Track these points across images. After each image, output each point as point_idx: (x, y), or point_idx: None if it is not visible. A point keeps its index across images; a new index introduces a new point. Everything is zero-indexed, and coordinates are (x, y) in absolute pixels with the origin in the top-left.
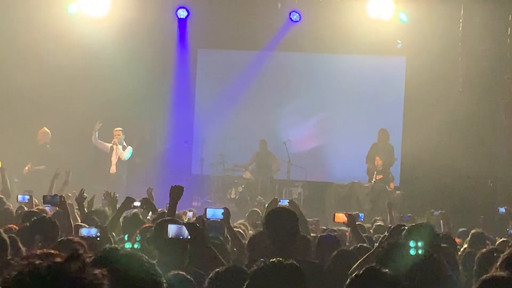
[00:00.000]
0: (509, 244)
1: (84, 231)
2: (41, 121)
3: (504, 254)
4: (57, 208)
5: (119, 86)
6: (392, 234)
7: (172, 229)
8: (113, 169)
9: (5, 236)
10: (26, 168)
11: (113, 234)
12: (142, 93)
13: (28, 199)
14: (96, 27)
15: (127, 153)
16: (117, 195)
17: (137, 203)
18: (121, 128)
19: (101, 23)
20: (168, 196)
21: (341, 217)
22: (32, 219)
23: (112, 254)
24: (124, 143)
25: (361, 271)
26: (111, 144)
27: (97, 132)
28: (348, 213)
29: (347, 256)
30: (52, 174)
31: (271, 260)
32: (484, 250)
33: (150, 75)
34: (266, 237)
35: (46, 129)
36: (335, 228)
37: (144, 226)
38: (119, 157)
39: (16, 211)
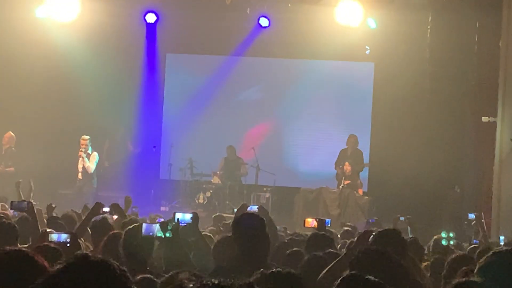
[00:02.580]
0: (478, 251)
1: (54, 237)
2: (6, 124)
3: (480, 261)
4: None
5: (87, 90)
6: (360, 239)
7: (144, 228)
8: (79, 176)
9: None
10: None
11: (82, 239)
12: (110, 97)
13: None
14: (64, 31)
15: (92, 165)
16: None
17: (106, 209)
18: (88, 137)
19: (70, 27)
20: (136, 201)
21: (311, 222)
22: None
23: (83, 261)
24: (90, 150)
25: (345, 276)
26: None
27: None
28: (320, 218)
29: (318, 261)
30: (15, 183)
31: (271, 271)
32: (454, 256)
33: (119, 79)
34: (235, 242)
35: (11, 133)
36: (302, 233)
37: (112, 232)
38: (83, 165)
39: None
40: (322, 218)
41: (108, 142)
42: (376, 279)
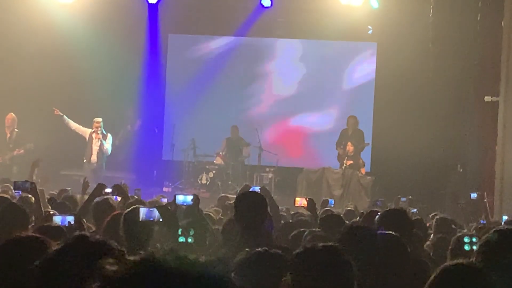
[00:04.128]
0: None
1: (57, 219)
2: (9, 105)
3: (481, 239)
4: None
5: (89, 71)
6: (365, 219)
7: (143, 212)
8: (94, 158)
9: None
10: None
11: (84, 220)
12: (113, 78)
13: None
14: (66, 12)
15: (109, 146)
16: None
17: (108, 190)
18: (101, 119)
19: (71, 7)
20: (139, 182)
21: (300, 201)
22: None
23: (82, 241)
24: (104, 131)
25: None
26: (91, 131)
27: (65, 117)
28: (309, 197)
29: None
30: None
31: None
32: (459, 234)
33: (121, 60)
34: (237, 221)
35: (13, 114)
36: (304, 213)
37: (115, 213)
38: (100, 147)
39: None
40: (311, 198)
41: (131, 125)
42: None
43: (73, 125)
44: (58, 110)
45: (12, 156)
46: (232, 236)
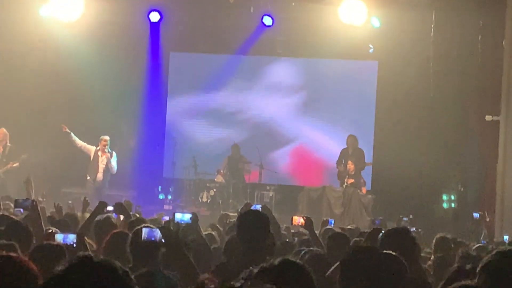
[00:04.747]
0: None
1: (59, 237)
2: (11, 122)
3: (483, 260)
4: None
5: (91, 88)
6: (369, 238)
7: (145, 232)
8: (99, 176)
9: None
10: None
11: (86, 238)
12: (115, 96)
13: None
14: (68, 30)
15: (115, 164)
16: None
17: (110, 208)
18: (108, 137)
19: (74, 26)
20: (139, 200)
21: (298, 220)
22: (6, 224)
23: (86, 262)
24: (109, 150)
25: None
26: (95, 149)
27: (72, 134)
28: (306, 216)
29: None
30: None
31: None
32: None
33: (123, 78)
34: (239, 240)
35: (4, 129)
36: (305, 232)
37: (114, 231)
38: (106, 165)
39: None
40: (308, 216)
41: (132, 141)
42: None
43: (79, 142)
44: (66, 127)
45: (6, 169)
46: (234, 255)
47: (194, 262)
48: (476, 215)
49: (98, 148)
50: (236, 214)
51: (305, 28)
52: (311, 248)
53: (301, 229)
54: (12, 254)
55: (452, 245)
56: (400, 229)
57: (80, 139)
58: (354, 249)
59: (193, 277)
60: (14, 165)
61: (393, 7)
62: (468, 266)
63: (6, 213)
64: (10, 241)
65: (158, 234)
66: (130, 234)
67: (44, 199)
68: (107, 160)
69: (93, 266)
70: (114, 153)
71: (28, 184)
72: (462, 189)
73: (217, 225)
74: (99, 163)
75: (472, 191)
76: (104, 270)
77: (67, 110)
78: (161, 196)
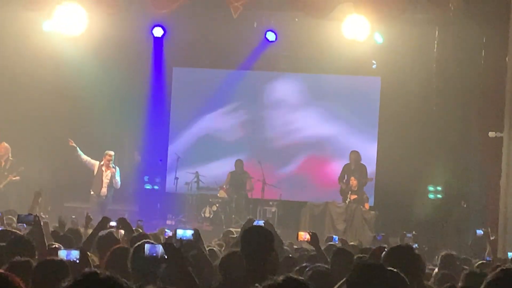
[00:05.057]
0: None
1: (63, 253)
2: (13, 135)
3: (487, 277)
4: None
5: (95, 103)
6: (372, 254)
7: (147, 248)
8: (104, 191)
9: None
10: None
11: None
12: (118, 110)
13: None
14: (71, 45)
15: (119, 179)
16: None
17: (113, 223)
18: (113, 152)
19: (77, 41)
20: (141, 215)
21: (304, 235)
22: (9, 238)
23: (91, 278)
24: (113, 165)
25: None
26: (99, 164)
27: (77, 149)
28: (312, 232)
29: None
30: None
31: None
32: (467, 271)
33: (126, 92)
34: (243, 256)
35: (5, 143)
36: (308, 248)
37: (116, 246)
38: (111, 180)
39: None
40: (314, 232)
41: (137, 154)
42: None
43: (84, 157)
44: (72, 142)
45: (6, 182)
46: (232, 270)
47: (196, 278)
48: (479, 231)
49: (102, 163)
50: (239, 229)
51: (308, 43)
52: (317, 264)
53: (304, 245)
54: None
55: (457, 263)
56: (404, 246)
57: (83, 153)
58: (360, 266)
59: None
60: (14, 178)
61: (396, 23)
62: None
63: (9, 228)
64: (16, 257)
65: (160, 250)
66: (131, 250)
67: (47, 216)
68: (112, 175)
69: (98, 282)
70: (117, 168)
71: (36, 197)
72: (465, 206)
73: (221, 241)
74: (103, 178)
75: (475, 208)
76: (109, 286)
77: (71, 125)
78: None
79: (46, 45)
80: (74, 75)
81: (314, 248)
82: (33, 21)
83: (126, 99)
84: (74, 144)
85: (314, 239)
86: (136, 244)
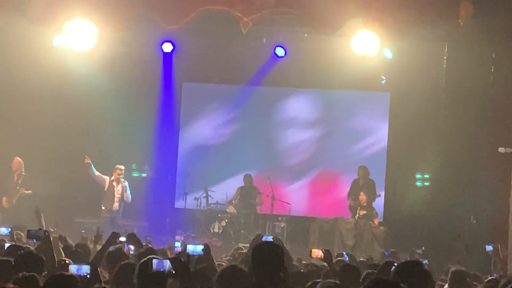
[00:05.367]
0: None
1: (73, 268)
2: (23, 151)
3: None
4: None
5: (105, 119)
6: (381, 270)
7: (155, 263)
8: (115, 206)
9: None
10: (4, 199)
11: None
12: (127, 126)
13: (9, 232)
14: (81, 60)
15: (129, 192)
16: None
17: (122, 238)
18: (123, 167)
19: (87, 56)
20: (150, 230)
21: (317, 252)
22: (18, 253)
23: None
24: (122, 179)
25: None
26: (110, 179)
27: (92, 166)
28: (326, 249)
29: None
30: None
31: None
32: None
33: (135, 108)
34: (253, 272)
35: (18, 158)
36: (317, 264)
37: (123, 262)
38: (122, 195)
39: None
40: (327, 249)
41: (148, 170)
42: None
43: (97, 173)
44: (88, 159)
45: (19, 196)
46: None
47: None
48: (489, 247)
49: (112, 177)
50: (248, 245)
51: (318, 59)
52: (329, 280)
53: (313, 260)
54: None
55: (467, 279)
56: (413, 262)
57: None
58: (373, 281)
59: None
60: (26, 192)
61: (405, 38)
62: None
63: (18, 243)
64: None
65: (167, 265)
66: (138, 265)
67: (55, 229)
68: (123, 189)
69: None
70: (126, 182)
71: (37, 215)
72: (474, 221)
73: (230, 257)
74: (115, 193)
75: (484, 224)
76: None
77: (80, 140)
78: (135, 174)
79: (56, 61)
80: (84, 90)
81: (324, 264)
82: (43, 37)
83: (136, 114)
84: (89, 161)
85: (327, 256)
86: (142, 261)
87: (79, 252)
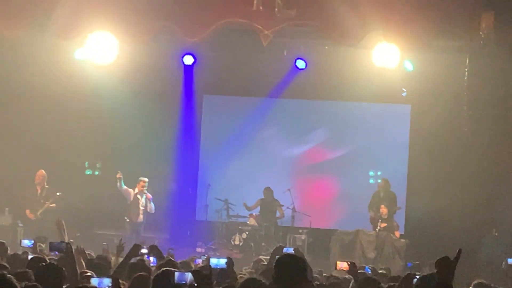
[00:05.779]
0: None
1: (95, 281)
2: (45, 162)
3: None
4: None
5: (126, 131)
6: (403, 283)
7: (176, 276)
8: (141, 218)
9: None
10: (27, 212)
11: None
12: (148, 138)
13: (32, 244)
14: (103, 73)
15: (152, 204)
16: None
17: (144, 250)
18: (147, 179)
19: (108, 69)
20: (171, 242)
21: (343, 265)
22: (38, 265)
23: None
24: (146, 191)
25: None
26: (135, 192)
27: (122, 180)
28: (351, 261)
29: None
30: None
31: None
32: None
33: (156, 120)
34: (275, 284)
35: (43, 171)
36: (339, 276)
37: (138, 274)
38: (146, 206)
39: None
40: (353, 261)
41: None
42: None
43: (124, 187)
44: (120, 174)
45: (44, 209)
46: None
47: None
48: (510, 260)
49: (136, 190)
50: (268, 257)
51: (338, 71)
52: None
53: (334, 273)
54: None
55: None
56: (433, 274)
57: (111, 181)
58: None
59: None
60: (51, 205)
61: (426, 50)
62: None
63: (40, 255)
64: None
65: (189, 277)
66: (153, 278)
67: (72, 240)
68: (147, 201)
69: None
70: (150, 196)
71: (59, 227)
72: (496, 234)
73: (251, 269)
74: (139, 205)
75: (506, 236)
76: None
77: (101, 152)
78: (88, 172)
79: (78, 73)
80: (105, 103)
81: (346, 277)
82: (65, 50)
83: (157, 126)
84: (121, 176)
85: (352, 268)
86: (156, 273)
87: (100, 264)
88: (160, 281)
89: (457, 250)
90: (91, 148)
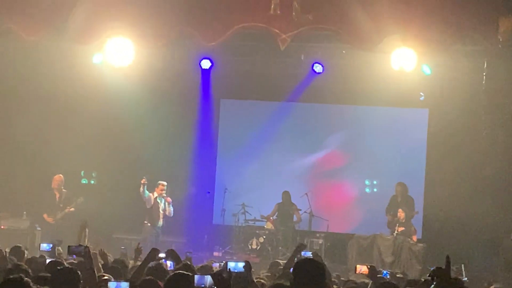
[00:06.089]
0: None
1: (112, 285)
2: (63, 166)
3: None
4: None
5: (143, 134)
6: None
7: (196, 279)
8: (161, 222)
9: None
10: (45, 216)
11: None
12: (166, 141)
13: (51, 248)
14: (120, 77)
15: (171, 207)
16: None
17: (162, 254)
18: (166, 183)
19: (126, 73)
20: (188, 246)
21: (363, 269)
22: (56, 269)
23: None
24: (165, 195)
25: None
26: (154, 196)
27: (145, 186)
28: (371, 265)
29: None
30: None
31: None
32: None
33: (174, 124)
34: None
35: (61, 175)
36: (357, 281)
37: (146, 278)
38: (165, 210)
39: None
40: (372, 265)
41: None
42: None
43: (147, 192)
44: (145, 179)
45: (64, 214)
46: None
47: None
48: None
49: (155, 194)
50: (285, 261)
51: (356, 75)
52: None
53: (352, 277)
54: None
55: None
56: (452, 279)
57: (129, 185)
58: None
59: None
60: (71, 209)
61: (444, 55)
62: None
63: (58, 259)
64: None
65: (208, 281)
66: (165, 281)
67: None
68: (166, 204)
69: None
70: (170, 200)
71: (82, 229)
72: None
73: (269, 273)
74: (159, 209)
75: None
76: None
77: (118, 156)
78: (84, 181)
79: (96, 78)
80: (123, 107)
81: (364, 281)
82: (82, 54)
83: (174, 130)
84: (146, 182)
85: (372, 272)
86: (168, 277)
87: (118, 268)
88: (172, 285)
89: (446, 257)
90: (108, 152)
